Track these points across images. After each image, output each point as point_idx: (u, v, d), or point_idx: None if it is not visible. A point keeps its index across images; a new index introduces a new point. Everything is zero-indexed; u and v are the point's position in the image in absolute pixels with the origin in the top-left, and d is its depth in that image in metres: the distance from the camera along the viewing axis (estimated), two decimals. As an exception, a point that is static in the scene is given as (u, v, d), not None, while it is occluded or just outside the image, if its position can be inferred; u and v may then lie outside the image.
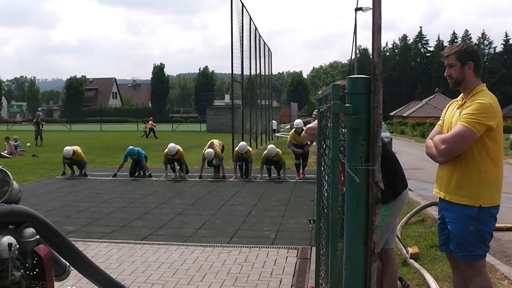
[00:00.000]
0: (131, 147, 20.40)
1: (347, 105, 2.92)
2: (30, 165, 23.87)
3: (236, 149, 19.62)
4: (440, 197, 5.07)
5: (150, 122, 52.30)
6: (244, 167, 19.70)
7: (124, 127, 76.21)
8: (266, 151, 19.27)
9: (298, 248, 9.12)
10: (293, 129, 20.51)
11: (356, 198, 2.94)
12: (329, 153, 3.44)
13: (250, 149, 20.42)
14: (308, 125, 6.20)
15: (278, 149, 19.27)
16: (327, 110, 3.61)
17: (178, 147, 19.56)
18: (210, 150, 19.14)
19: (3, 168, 4.68)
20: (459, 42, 5.45)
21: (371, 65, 2.82)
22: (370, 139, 2.88)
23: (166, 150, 19.36)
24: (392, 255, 5.85)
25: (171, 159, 19.54)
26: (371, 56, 2.88)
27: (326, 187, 3.79)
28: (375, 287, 3.01)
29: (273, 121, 49.92)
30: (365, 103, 2.87)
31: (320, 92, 4.54)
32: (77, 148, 20.64)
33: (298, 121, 20.61)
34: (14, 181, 4.59)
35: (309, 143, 19.84)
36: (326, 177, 3.78)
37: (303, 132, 6.48)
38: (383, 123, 37.12)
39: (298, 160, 19.85)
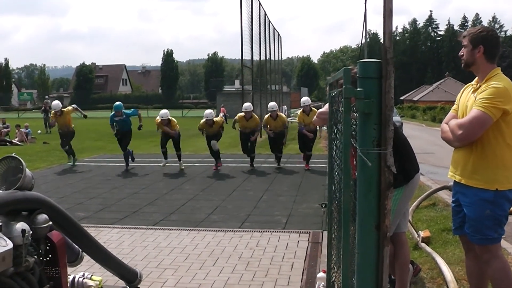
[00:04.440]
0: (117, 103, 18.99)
1: (358, 89, 2.91)
2: (41, 153, 23.95)
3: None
4: (455, 180, 5.06)
5: (222, 109, 51.27)
6: (249, 146, 18.38)
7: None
8: (267, 115, 18.57)
9: (309, 232, 9.14)
10: (301, 109, 18.79)
11: (368, 182, 2.94)
12: (340, 138, 3.44)
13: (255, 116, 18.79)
14: (320, 110, 6.18)
15: (282, 114, 19.05)
16: (338, 95, 3.61)
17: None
18: (209, 110, 18.52)
19: (16, 156, 4.72)
20: (479, 25, 5.42)
21: (382, 50, 2.81)
22: (382, 124, 2.88)
23: (158, 117, 17.95)
24: (404, 239, 5.86)
25: (165, 138, 17.97)
26: (381, 41, 2.87)
27: (337, 172, 3.79)
28: (387, 271, 3.03)
29: (283, 106, 49.83)
30: (377, 88, 2.87)
31: (328, 78, 4.53)
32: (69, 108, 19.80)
33: (305, 99, 18.41)
34: (27, 169, 4.63)
35: (318, 127, 19.18)
36: (337, 161, 3.78)
37: (315, 116, 6.47)
38: (394, 107, 37.43)
39: (303, 152, 18.49)
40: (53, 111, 19.58)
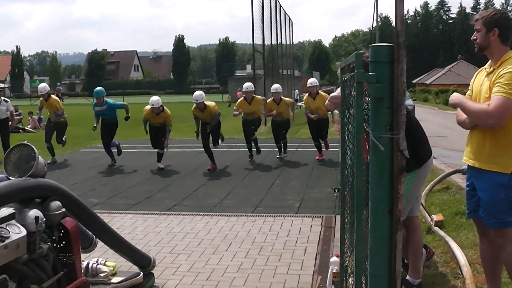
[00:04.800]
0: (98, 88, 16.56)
1: (370, 73, 2.90)
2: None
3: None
4: (469, 164, 5.04)
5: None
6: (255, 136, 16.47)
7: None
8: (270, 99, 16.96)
9: (322, 216, 9.14)
10: (307, 93, 16.99)
11: (380, 167, 2.93)
12: (353, 122, 3.43)
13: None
14: (332, 94, 6.17)
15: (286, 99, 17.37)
16: (350, 79, 3.60)
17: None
18: (199, 92, 15.09)
19: (28, 143, 4.74)
20: (492, 8, 5.35)
21: (394, 33, 2.80)
22: (394, 108, 2.86)
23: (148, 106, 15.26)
24: (417, 223, 5.84)
25: (153, 127, 15.40)
26: (393, 24, 2.85)
27: (350, 156, 3.78)
28: (401, 255, 3.02)
29: (295, 90, 49.69)
30: (389, 72, 2.86)
31: (338, 63, 4.50)
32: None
33: (311, 80, 16.43)
34: (39, 156, 4.65)
35: (330, 112, 17.92)
36: (350, 146, 3.77)
37: (327, 101, 6.44)
38: (406, 91, 37.21)
39: (317, 141, 16.54)
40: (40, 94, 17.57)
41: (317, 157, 16.33)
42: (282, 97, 16.79)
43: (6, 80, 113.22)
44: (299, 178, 13.07)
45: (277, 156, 16.77)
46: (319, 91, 16.74)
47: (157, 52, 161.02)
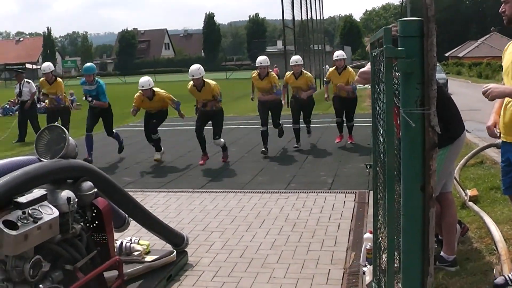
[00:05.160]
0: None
1: (399, 49, 2.87)
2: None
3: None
4: (503, 140, 4.97)
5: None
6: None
7: (178, 77, 76.11)
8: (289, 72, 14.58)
9: (355, 192, 9.10)
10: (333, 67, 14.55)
11: (412, 143, 2.91)
12: (383, 98, 3.39)
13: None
14: (361, 69, 6.10)
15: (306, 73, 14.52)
16: (379, 54, 3.55)
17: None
18: (196, 65, 12.36)
19: (58, 125, 4.77)
20: None
21: (423, 7, 2.76)
22: (424, 83, 2.83)
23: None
24: (451, 199, 5.78)
25: (149, 114, 13.45)
26: (424, -3, 2.81)
27: (381, 132, 3.75)
28: (433, 232, 2.99)
29: (326, 66, 49.37)
30: (418, 46, 2.83)
31: (367, 38, 4.44)
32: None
33: (338, 53, 14.44)
34: (70, 137, 4.68)
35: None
36: (381, 122, 3.73)
37: (356, 76, 6.38)
38: (438, 64, 36.14)
39: (340, 117, 14.55)
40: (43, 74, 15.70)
41: (336, 140, 14.42)
42: (304, 71, 14.40)
43: (38, 61, 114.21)
44: (332, 154, 13.03)
45: (294, 146, 14.17)
46: (347, 66, 14.45)
47: (188, 30, 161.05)
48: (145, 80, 12.72)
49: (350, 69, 14.28)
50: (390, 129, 3.13)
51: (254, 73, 13.75)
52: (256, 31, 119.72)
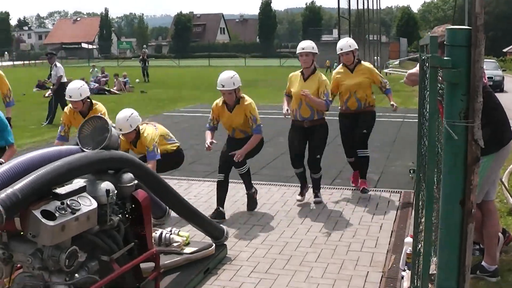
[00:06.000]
0: None
1: (446, 58, 2.78)
2: (138, 102, 24.39)
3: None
4: None
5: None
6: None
7: (232, 62, 76.48)
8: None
9: (401, 192, 8.98)
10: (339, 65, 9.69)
11: (453, 156, 2.83)
12: (426, 106, 3.31)
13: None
14: (410, 71, 5.99)
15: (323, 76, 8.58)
16: (426, 61, 3.46)
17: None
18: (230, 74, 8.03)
19: (102, 116, 4.79)
20: None
21: (472, 16, 2.66)
22: (470, 94, 2.73)
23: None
24: (493, 208, 5.64)
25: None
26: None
27: (424, 141, 3.65)
28: (471, 248, 2.91)
29: (378, 57, 48.82)
30: (465, 56, 2.74)
31: (421, 42, 4.32)
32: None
33: (342, 43, 9.08)
34: (113, 128, 4.68)
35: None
36: (425, 130, 3.64)
37: (404, 78, 6.23)
38: (494, 60, 35.41)
39: (351, 156, 9.41)
40: None
41: (353, 183, 9.52)
42: (363, 62, 9.39)
43: (95, 41, 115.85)
44: (380, 150, 12.84)
45: (297, 199, 8.68)
46: (362, 61, 9.34)
47: (244, 15, 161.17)
48: (74, 87, 8.43)
49: (367, 64, 9.45)
50: (432, 141, 3.05)
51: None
52: (312, 19, 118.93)
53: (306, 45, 8.42)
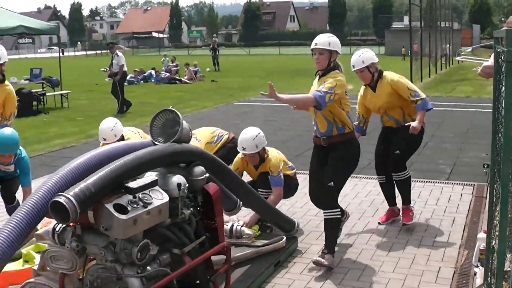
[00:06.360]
0: None
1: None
2: (209, 91, 24.54)
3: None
4: None
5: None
6: None
7: (302, 50, 76.09)
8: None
9: (474, 185, 8.81)
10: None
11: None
12: (501, 101, 3.22)
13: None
14: (485, 64, 5.86)
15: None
16: (502, 54, 3.37)
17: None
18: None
19: (173, 109, 4.82)
20: None
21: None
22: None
23: None
24: None
25: None
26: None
27: (500, 136, 3.57)
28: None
29: (448, 45, 47.74)
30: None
31: (496, 31, 4.20)
32: None
33: (355, 58, 7.09)
34: (184, 121, 4.72)
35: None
36: (500, 126, 3.55)
37: (479, 70, 6.09)
38: None
39: (384, 179, 7.58)
40: None
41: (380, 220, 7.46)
42: (385, 73, 7.30)
43: (165, 30, 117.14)
44: (452, 140, 12.63)
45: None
46: (384, 72, 7.26)
47: (313, 3, 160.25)
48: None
49: (392, 75, 7.25)
50: (507, 136, 2.98)
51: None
52: (383, 6, 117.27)
53: (321, 40, 6.13)
